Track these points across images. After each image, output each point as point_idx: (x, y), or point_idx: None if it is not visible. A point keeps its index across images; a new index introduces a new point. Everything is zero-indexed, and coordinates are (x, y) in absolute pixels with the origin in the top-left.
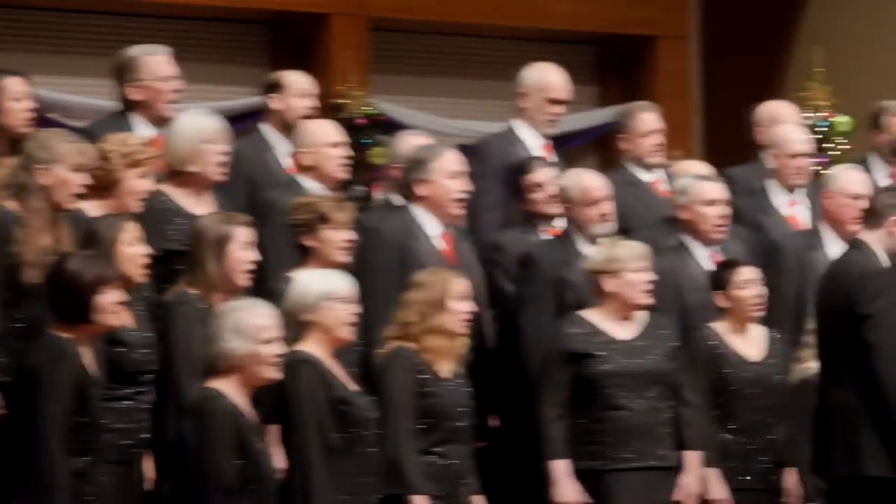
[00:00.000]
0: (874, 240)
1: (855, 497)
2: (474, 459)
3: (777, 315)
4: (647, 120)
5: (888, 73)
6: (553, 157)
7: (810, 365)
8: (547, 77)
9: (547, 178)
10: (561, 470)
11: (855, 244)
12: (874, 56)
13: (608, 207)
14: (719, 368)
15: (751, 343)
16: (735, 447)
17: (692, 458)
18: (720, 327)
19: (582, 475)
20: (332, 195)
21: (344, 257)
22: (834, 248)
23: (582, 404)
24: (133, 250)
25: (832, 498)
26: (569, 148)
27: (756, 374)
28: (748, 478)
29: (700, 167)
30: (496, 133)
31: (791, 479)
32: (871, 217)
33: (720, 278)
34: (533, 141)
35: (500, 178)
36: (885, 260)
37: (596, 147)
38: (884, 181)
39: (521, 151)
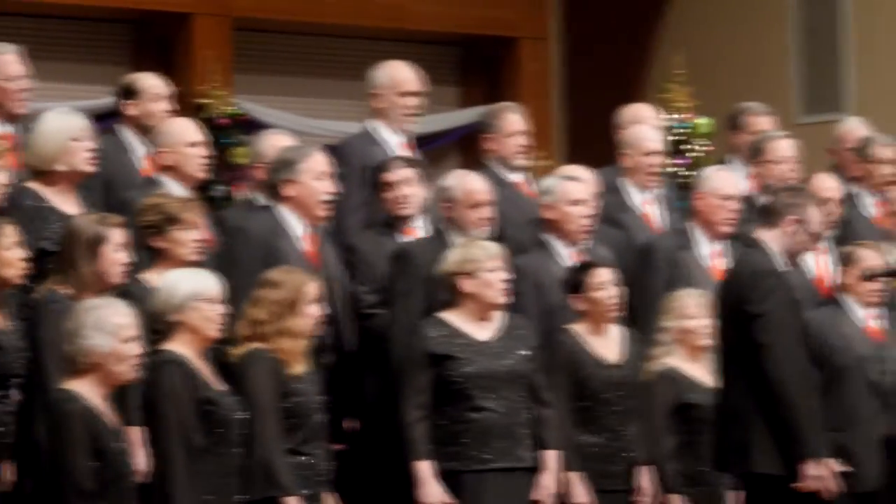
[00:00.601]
0: (770, 239)
1: (749, 494)
2: (332, 458)
3: (648, 315)
4: (513, 121)
5: (748, 75)
6: (417, 155)
7: (664, 361)
8: (396, 73)
9: (401, 178)
10: (425, 471)
11: (751, 244)
12: (734, 58)
13: (489, 212)
14: (578, 370)
15: (608, 345)
16: (596, 449)
17: (551, 458)
18: (579, 329)
19: (445, 476)
20: (179, 195)
21: (195, 256)
22: (704, 248)
23: (444, 406)
24: (11, 254)
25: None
26: (431, 148)
27: (614, 376)
28: (610, 480)
29: (577, 170)
30: (356, 134)
31: (645, 478)
32: (769, 216)
33: (577, 280)
34: (393, 140)
35: (360, 180)
36: (780, 260)
37: (459, 148)
38: (743, 182)
39: (381, 152)
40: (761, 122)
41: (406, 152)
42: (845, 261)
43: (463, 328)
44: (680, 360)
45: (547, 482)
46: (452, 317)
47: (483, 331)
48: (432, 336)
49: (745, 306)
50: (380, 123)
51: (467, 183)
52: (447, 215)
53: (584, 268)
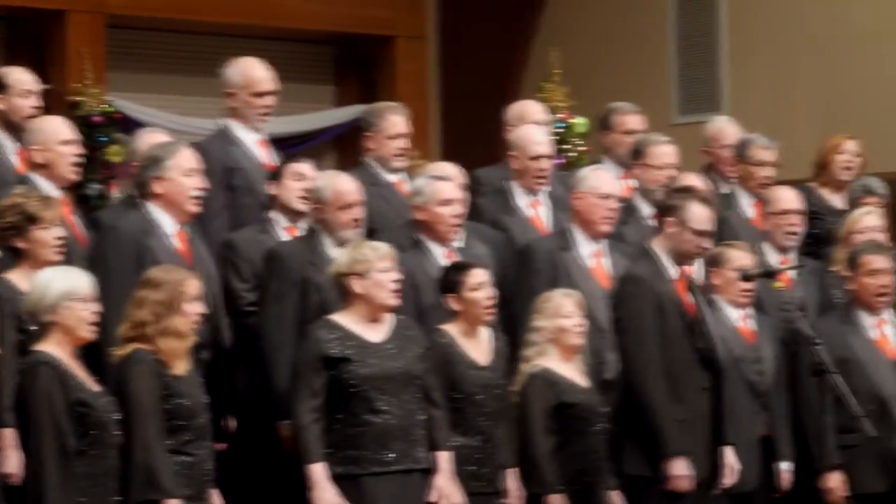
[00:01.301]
0: (657, 245)
1: (626, 495)
2: (214, 457)
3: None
4: (395, 122)
5: (625, 75)
6: (272, 154)
7: (538, 363)
8: (249, 72)
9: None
10: (319, 474)
11: (643, 251)
12: (612, 58)
13: (360, 213)
14: (452, 372)
15: (479, 346)
16: (467, 451)
17: (443, 459)
18: (452, 329)
19: (341, 479)
20: (39, 194)
21: (56, 256)
22: (585, 248)
23: (339, 408)
24: None
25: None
26: (307, 147)
27: (485, 378)
28: (480, 483)
29: (447, 167)
30: (212, 134)
31: (512, 481)
32: (658, 220)
33: (452, 280)
34: (248, 138)
35: (221, 181)
36: (668, 265)
37: (334, 146)
38: (618, 183)
39: (237, 151)
40: (631, 121)
41: (262, 150)
42: (715, 262)
43: (355, 330)
44: (553, 361)
45: (441, 483)
46: (344, 318)
47: (375, 332)
48: (326, 338)
49: (614, 312)
50: (234, 122)
51: (337, 184)
52: (318, 217)
53: (460, 268)
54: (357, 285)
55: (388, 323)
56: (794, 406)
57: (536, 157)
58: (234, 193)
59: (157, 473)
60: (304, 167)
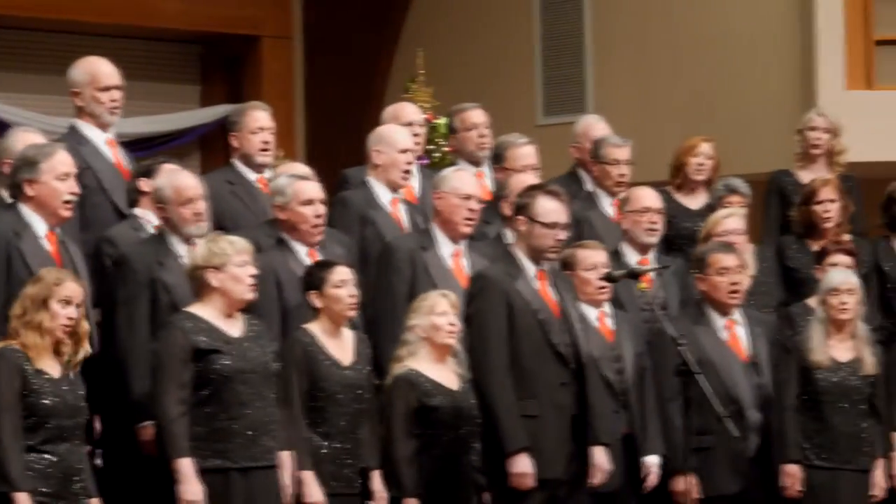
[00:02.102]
0: (515, 245)
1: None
2: (89, 459)
3: (389, 315)
4: (259, 117)
5: (489, 76)
6: (122, 153)
7: (407, 363)
8: (92, 68)
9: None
10: (186, 468)
11: (503, 252)
12: (477, 59)
13: (202, 207)
14: (314, 371)
15: (342, 345)
16: (327, 451)
17: (284, 458)
18: (315, 328)
19: (208, 473)
20: None
21: None
22: (444, 248)
23: (205, 402)
24: None
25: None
26: (172, 147)
27: (346, 378)
28: (340, 483)
29: (300, 167)
30: (64, 134)
31: (377, 482)
32: (512, 221)
33: (316, 277)
34: (98, 137)
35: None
36: (527, 263)
37: (199, 146)
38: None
39: (89, 150)
40: (472, 115)
41: (111, 150)
42: (568, 262)
43: (216, 323)
44: (423, 362)
45: (284, 484)
46: (202, 312)
47: (232, 327)
48: (192, 330)
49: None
50: (83, 122)
51: (176, 180)
52: (161, 216)
53: (324, 265)
54: (213, 279)
55: (240, 318)
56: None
57: (404, 151)
58: (84, 192)
59: (7, 466)
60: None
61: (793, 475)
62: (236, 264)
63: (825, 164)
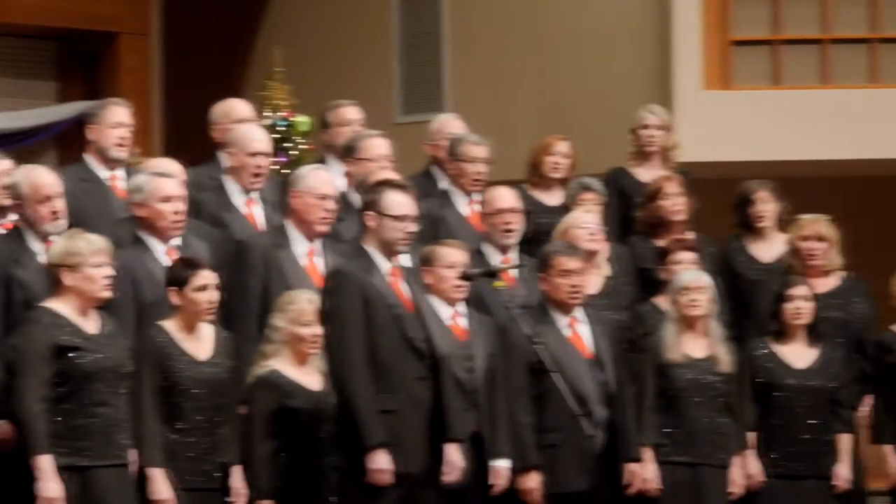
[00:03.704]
0: (366, 240)
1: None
2: None
3: (243, 314)
4: (118, 112)
5: (347, 74)
6: None
7: (269, 363)
8: None
9: None
10: (46, 465)
11: (356, 248)
12: (334, 57)
13: (60, 204)
14: (168, 367)
15: (200, 342)
16: (184, 446)
17: (133, 455)
18: (171, 325)
19: (67, 470)
20: None
21: None
22: (299, 246)
23: (64, 399)
24: None
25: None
26: (28, 144)
27: (203, 374)
28: (198, 478)
29: (166, 164)
30: None
31: (237, 478)
32: (362, 217)
33: (178, 276)
34: None
35: None
36: (380, 258)
37: (56, 143)
38: (341, 180)
39: None
40: (347, 112)
41: None
42: (427, 260)
43: (74, 320)
44: (285, 363)
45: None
46: (60, 308)
47: (89, 324)
48: (53, 326)
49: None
50: None
51: (33, 178)
52: (19, 212)
53: (190, 265)
54: (68, 278)
55: (95, 315)
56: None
57: (254, 154)
58: None
59: None
60: (3, 162)
61: (635, 473)
62: (92, 264)
63: (660, 162)
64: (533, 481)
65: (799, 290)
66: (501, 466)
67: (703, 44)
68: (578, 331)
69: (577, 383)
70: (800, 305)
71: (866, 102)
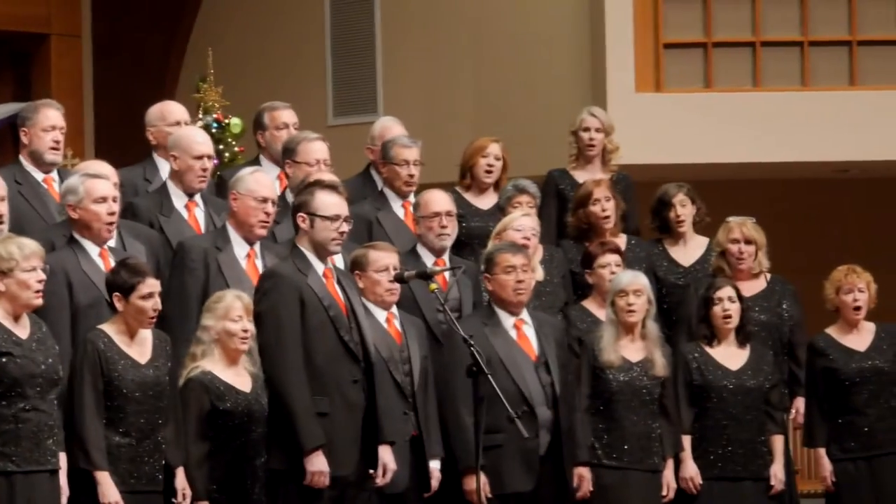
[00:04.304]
0: (299, 240)
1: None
2: None
3: (182, 315)
4: (51, 115)
5: (280, 75)
6: None
7: (200, 364)
8: None
9: None
10: None
11: (291, 249)
12: (266, 58)
13: (3, 208)
14: (110, 370)
15: (140, 344)
16: (126, 449)
17: (62, 459)
18: (110, 328)
19: None
20: None
21: None
22: (238, 248)
23: None
24: None
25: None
26: None
27: (144, 377)
28: (141, 480)
29: (98, 166)
30: None
31: (181, 479)
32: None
33: (122, 282)
34: None
35: None
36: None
37: None
38: (275, 181)
39: None
40: (283, 115)
41: None
42: (358, 263)
43: (6, 325)
44: (216, 364)
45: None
46: None
47: (20, 329)
48: None
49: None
50: None
51: None
52: None
53: (134, 273)
54: (0, 282)
55: (27, 319)
56: (442, 406)
57: (199, 157)
58: None
59: None
60: None
61: (583, 476)
62: (24, 269)
63: (600, 164)
64: (474, 482)
65: (724, 292)
66: (434, 467)
67: (636, 46)
68: (525, 332)
69: (521, 384)
70: (727, 307)
71: (797, 105)
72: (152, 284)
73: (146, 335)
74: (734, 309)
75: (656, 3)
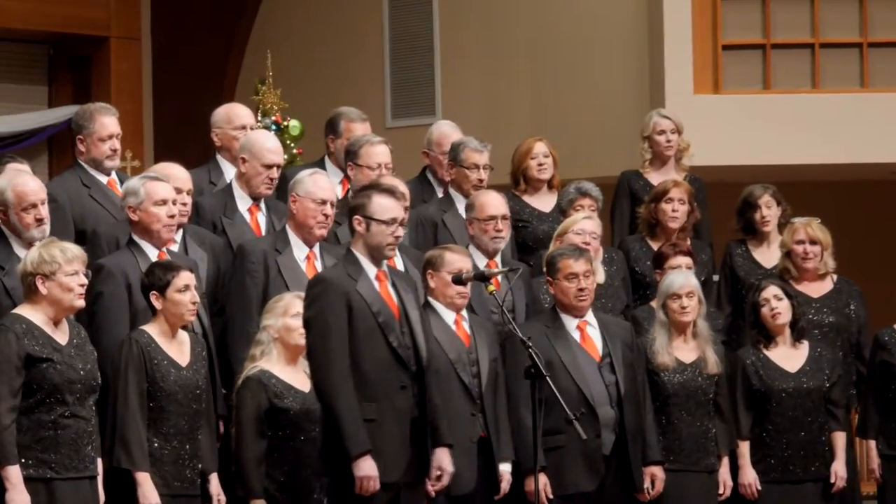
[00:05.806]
0: (355, 245)
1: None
2: None
3: (242, 317)
4: (107, 124)
5: (339, 78)
6: None
7: (259, 364)
8: None
9: None
10: (15, 476)
11: (346, 253)
12: (325, 61)
13: (44, 212)
14: (154, 371)
15: (180, 347)
16: (168, 452)
17: (99, 465)
18: (153, 329)
19: (33, 481)
20: None
21: None
22: (298, 250)
23: (32, 410)
24: None
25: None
26: (20, 148)
27: (185, 380)
28: (184, 483)
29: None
30: None
31: (215, 485)
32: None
33: (157, 280)
34: None
35: None
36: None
37: (48, 147)
38: (337, 185)
39: None
40: (357, 129)
41: None
42: (432, 264)
43: (46, 330)
44: (275, 363)
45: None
46: (33, 316)
47: (60, 334)
48: (24, 336)
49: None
50: None
51: (18, 185)
52: (2, 219)
53: (167, 269)
54: (42, 286)
55: (66, 324)
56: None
57: (269, 166)
58: None
59: None
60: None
61: (656, 475)
62: (66, 273)
63: (674, 166)
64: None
65: (769, 292)
66: (504, 470)
67: (694, 48)
68: (588, 333)
69: (583, 386)
70: (774, 305)
71: (856, 107)
72: (187, 277)
73: (184, 337)
74: (782, 306)
75: (715, 5)
